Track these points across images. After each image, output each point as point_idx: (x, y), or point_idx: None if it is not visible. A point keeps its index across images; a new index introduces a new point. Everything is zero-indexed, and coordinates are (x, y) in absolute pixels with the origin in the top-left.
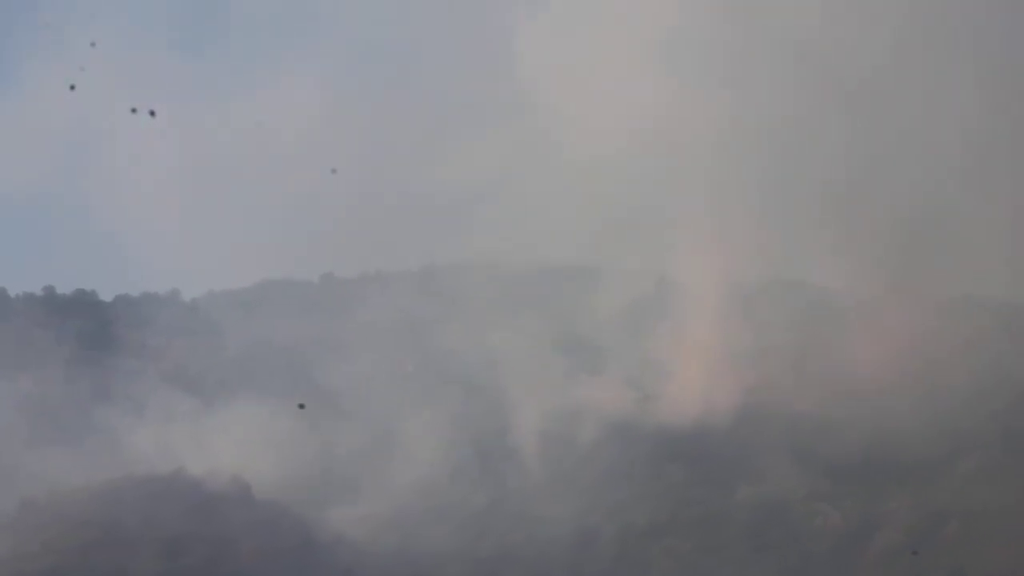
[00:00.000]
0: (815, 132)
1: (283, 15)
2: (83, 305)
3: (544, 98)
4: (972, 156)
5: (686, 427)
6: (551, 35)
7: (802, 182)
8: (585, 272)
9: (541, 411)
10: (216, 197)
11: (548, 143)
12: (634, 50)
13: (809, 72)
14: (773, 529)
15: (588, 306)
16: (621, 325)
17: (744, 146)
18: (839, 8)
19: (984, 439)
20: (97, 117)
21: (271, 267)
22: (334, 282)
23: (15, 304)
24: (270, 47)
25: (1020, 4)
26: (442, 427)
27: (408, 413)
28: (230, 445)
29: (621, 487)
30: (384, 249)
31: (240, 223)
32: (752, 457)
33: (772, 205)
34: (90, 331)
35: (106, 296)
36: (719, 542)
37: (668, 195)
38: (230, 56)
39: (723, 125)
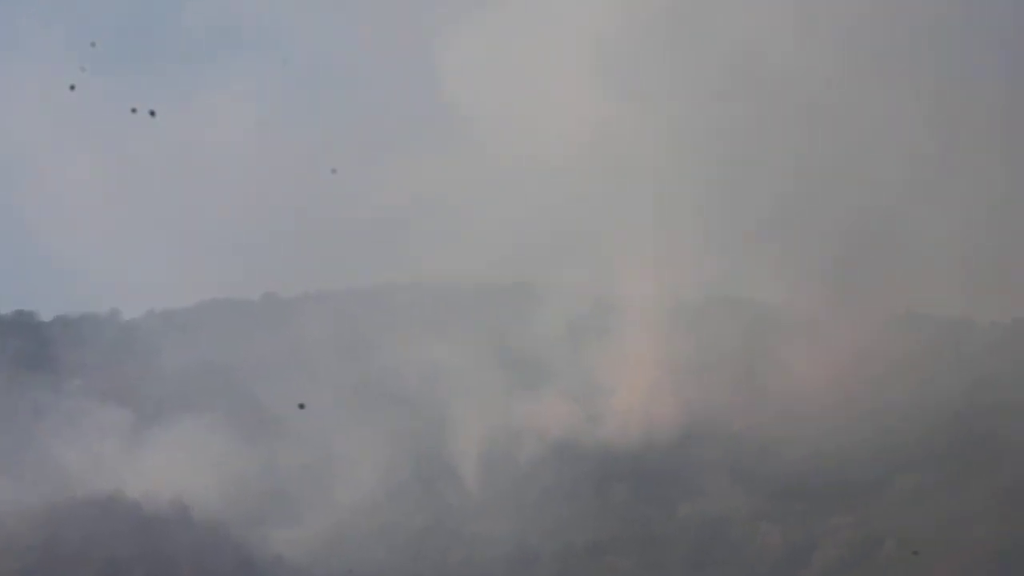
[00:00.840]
0: (757, 148)
1: (219, 34)
2: (22, 326)
3: (481, 113)
4: (913, 174)
5: (628, 445)
6: (487, 49)
7: (744, 198)
8: (525, 289)
9: (482, 429)
10: (156, 216)
11: (485, 158)
12: (572, 63)
13: (752, 87)
14: (714, 547)
15: (529, 323)
16: (563, 342)
17: (685, 161)
18: (782, 24)
19: (923, 458)
20: (34, 136)
21: (212, 287)
22: (275, 301)
23: None
24: (206, 66)
25: (965, 22)
26: (383, 446)
27: (349, 433)
28: (169, 466)
29: (562, 506)
30: (324, 268)
31: (180, 242)
32: (694, 475)
33: (714, 221)
34: (29, 352)
35: (45, 316)
36: (660, 561)
37: (609, 210)
38: (167, 73)
39: (664, 139)
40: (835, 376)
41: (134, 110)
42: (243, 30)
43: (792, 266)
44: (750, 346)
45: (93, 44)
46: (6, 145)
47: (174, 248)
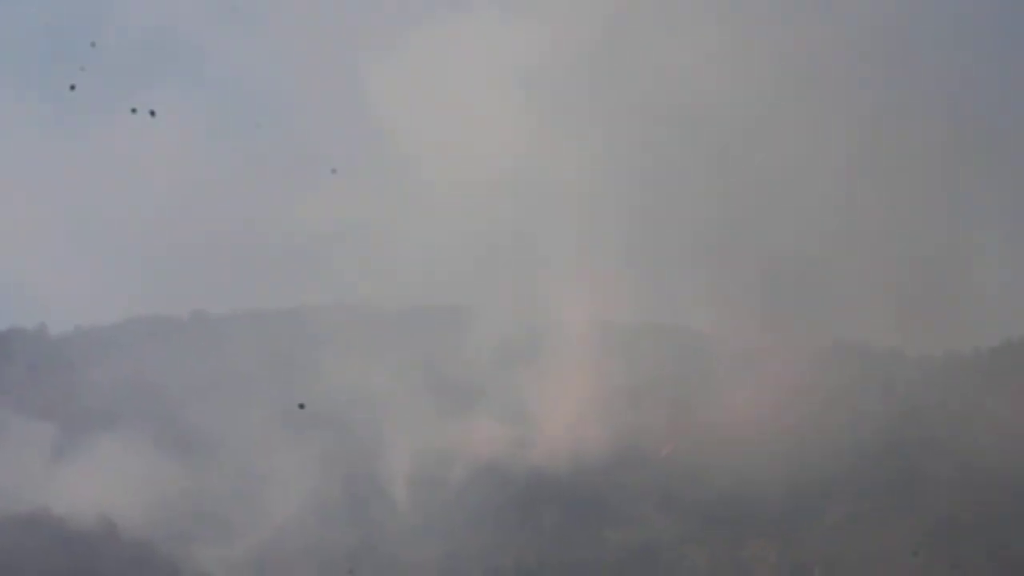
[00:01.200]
0: (685, 176)
1: (149, 54)
2: None
3: (409, 137)
4: (844, 206)
5: (556, 469)
6: (414, 75)
7: (672, 226)
8: (454, 312)
9: (412, 452)
10: (86, 232)
11: (413, 182)
12: (500, 89)
13: (681, 116)
14: (642, 572)
15: (459, 347)
16: (492, 366)
17: (614, 188)
18: (712, 54)
19: (851, 488)
20: None
21: (140, 303)
22: (205, 319)
23: None
24: (135, 84)
25: (897, 55)
26: (312, 466)
27: (278, 452)
28: (96, 483)
29: (490, 529)
30: (253, 288)
31: (109, 259)
32: (622, 500)
33: (642, 248)
34: None
35: None
36: None
37: (537, 235)
38: (95, 90)
39: (592, 166)
40: (765, 405)
41: (134, 110)
42: (174, 51)
43: (722, 295)
44: (680, 373)
45: (93, 44)
46: None
47: (102, 264)
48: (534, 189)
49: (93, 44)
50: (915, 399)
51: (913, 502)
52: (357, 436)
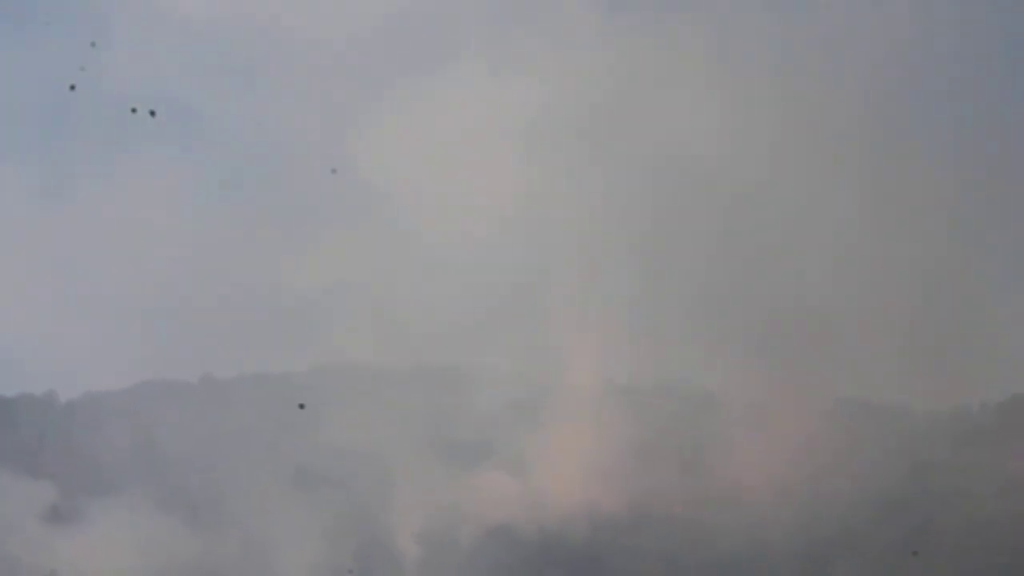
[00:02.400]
0: (691, 233)
1: (135, 114)
2: None
3: (408, 193)
4: (849, 262)
5: (566, 531)
6: (407, 129)
7: (678, 282)
8: (460, 372)
9: (420, 514)
10: (94, 296)
11: (415, 240)
12: (497, 141)
13: (683, 171)
14: None
15: (466, 407)
16: (499, 426)
17: (616, 245)
18: (715, 107)
19: (860, 547)
20: None
21: (149, 368)
22: (213, 383)
23: None
24: (125, 144)
25: (895, 110)
26: (320, 532)
27: (286, 518)
28: (104, 549)
29: None
30: (259, 351)
31: (119, 323)
32: (631, 562)
33: (649, 305)
34: None
35: None
36: None
37: (541, 291)
38: (83, 152)
39: (593, 222)
40: (773, 463)
41: (134, 110)
42: (161, 109)
43: (728, 353)
44: (688, 432)
45: (93, 44)
46: None
47: (111, 329)
48: (535, 246)
49: (93, 44)
50: (923, 455)
51: (923, 560)
52: (365, 499)
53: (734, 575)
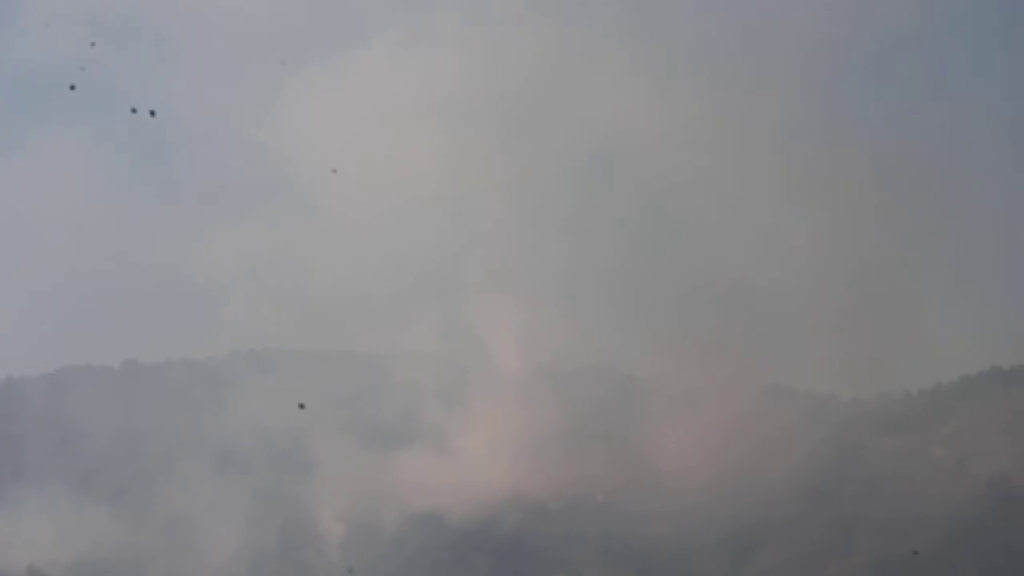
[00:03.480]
0: (621, 216)
1: (39, 97)
2: None
3: (322, 168)
4: (779, 254)
5: (492, 515)
6: (321, 99)
7: (605, 261)
8: (382, 354)
9: (345, 499)
10: (13, 282)
11: (338, 218)
12: (413, 113)
13: (607, 148)
14: None
15: (389, 390)
16: (424, 409)
17: (543, 230)
18: (641, 87)
19: (786, 531)
20: None
21: (71, 353)
22: (136, 368)
23: None
24: (31, 122)
25: (828, 90)
26: (245, 515)
27: (210, 501)
28: (26, 534)
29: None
30: (183, 334)
31: (41, 308)
32: (557, 547)
33: (575, 286)
34: None
35: None
36: None
37: (461, 270)
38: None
39: (521, 206)
40: (701, 448)
41: (134, 110)
42: (78, 83)
43: (657, 338)
44: (616, 417)
45: (93, 44)
46: None
47: (32, 314)
48: (456, 225)
49: (93, 44)
50: (848, 442)
51: (849, 544)
52: (288, 482)
53: (661, 561)
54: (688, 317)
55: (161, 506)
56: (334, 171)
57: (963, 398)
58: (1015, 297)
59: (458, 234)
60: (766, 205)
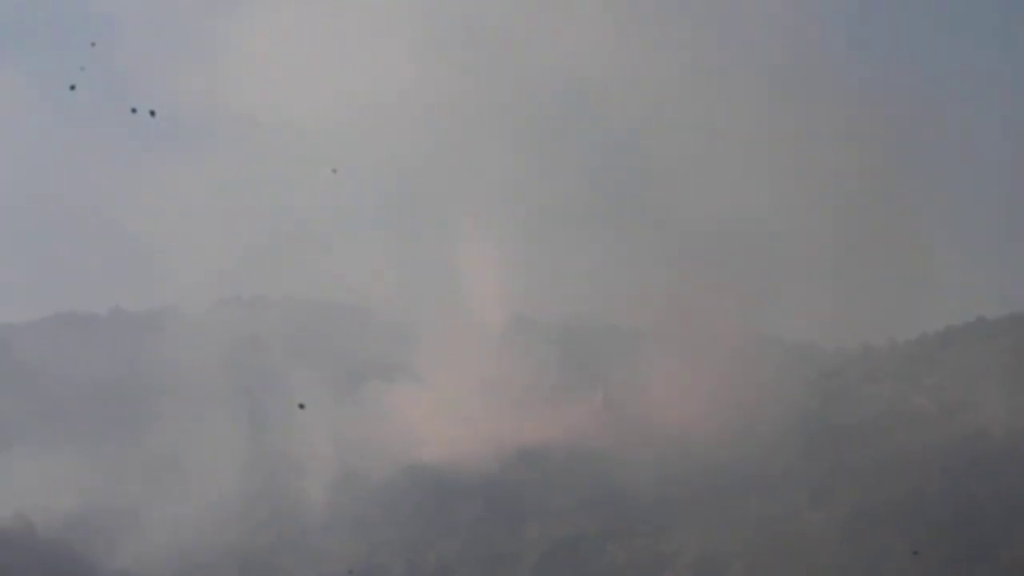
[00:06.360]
0: (605, 163)
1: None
2: None
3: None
4: (761, 200)
5: (476, 466)
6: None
7: (588, 207)
8: (360, 305)
9: (329, 448)
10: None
11: (306, 162)
12: (385, 50)
13: (586, 88)
14: (561, 567)
15: (371, 340)
16: (406, 360)
17: (524, 172)
18: (619, 17)
19: (769, 480)
20: None
21: (59, 300)
22: (123, 316)
23: None
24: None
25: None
26: (231, 464)
27: (198, 450)
28: (13, 482)
29: (410, 525)
30: (177, 283)
31: (25, 256)
32: (543, 495)
33: (557, 234)
34: None
35: None
36: None
37: (439, 219)
38: None
39: (499, 138)
40: (687, 398)
41: (134, 110)
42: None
43: (645, 288)
44: (604, 367)
45: (93, 44)
46: None
47: (17, 262)
48: (434, 172)
49: (93, 44)
50: (833, 391)
51: (831, 494)
52: (277, 433)
53: (644, 509)
54: (673, 264)
55: (147, 455)
56: (334, 171)
57: (948, 348)
58: (1002, 248)
59: (438, 177)
60: (751, 147)
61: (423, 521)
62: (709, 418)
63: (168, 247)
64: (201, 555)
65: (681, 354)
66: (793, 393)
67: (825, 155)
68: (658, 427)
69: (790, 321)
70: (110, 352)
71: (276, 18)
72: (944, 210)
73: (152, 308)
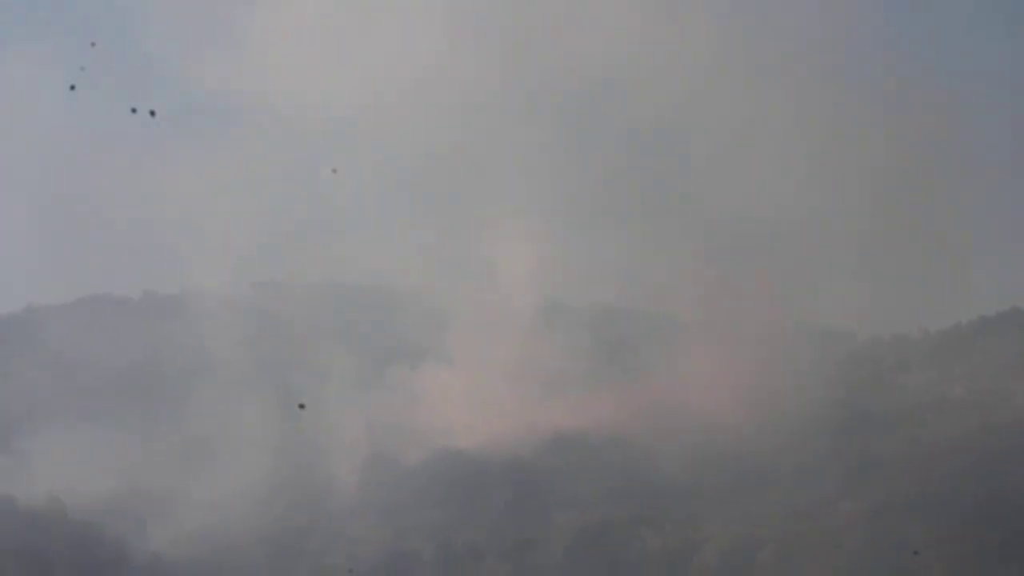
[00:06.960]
0: (645, 151)
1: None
2: None
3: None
4: (802, 189)
5: (507, 451)
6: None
7: (622, 190)
8: (390, 290)
9: (361, 433)
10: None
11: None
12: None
13: (622, 73)
14: (592, 553)
15: (401, 325)
16: (438, 344)
17: (559, 156)
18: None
19: (802, 468)
20: None
21: (92, 283)
22: (155, 299)
23: None
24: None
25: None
26: (263, 447)
27: (230, 434)
28: (47, 464)
29: (440, 510)
30: (209, 268)
31: (60, 239)
32: (575, 481)
33: (592, 219)
34: None
35: None
36: (537, 565)
37: (471, 203)
38: None
39: (535, 121)
40: (717, 387)
41: (134, 110)
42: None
43: (675, 273)
44: (638, 354)
45: (93, 44)
46: None
47: (52, 245)
48: (464, 151)
49: (93, 44)
50: (865, 380)
51: (863, 482)
52: (308, 416)
53: (675, 495)
54: (705, 252)
55: (180, 438)
56: (334, 171)
57: (981, 338)
58: None
59: (471, 163)
60: (785, 135)
61: (453, 506)
62: (740, 406)
63: (200, 231)
64: (231, 538)
65: (713, 341)
66: (825, 382)
67: (859, 144)
68: (690, 414)
69: (823, 310)
70: (142, 335)
71: (302, 2)
72: (979, 200)
73: (184, 292)
